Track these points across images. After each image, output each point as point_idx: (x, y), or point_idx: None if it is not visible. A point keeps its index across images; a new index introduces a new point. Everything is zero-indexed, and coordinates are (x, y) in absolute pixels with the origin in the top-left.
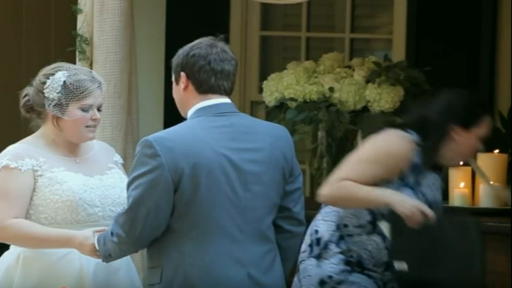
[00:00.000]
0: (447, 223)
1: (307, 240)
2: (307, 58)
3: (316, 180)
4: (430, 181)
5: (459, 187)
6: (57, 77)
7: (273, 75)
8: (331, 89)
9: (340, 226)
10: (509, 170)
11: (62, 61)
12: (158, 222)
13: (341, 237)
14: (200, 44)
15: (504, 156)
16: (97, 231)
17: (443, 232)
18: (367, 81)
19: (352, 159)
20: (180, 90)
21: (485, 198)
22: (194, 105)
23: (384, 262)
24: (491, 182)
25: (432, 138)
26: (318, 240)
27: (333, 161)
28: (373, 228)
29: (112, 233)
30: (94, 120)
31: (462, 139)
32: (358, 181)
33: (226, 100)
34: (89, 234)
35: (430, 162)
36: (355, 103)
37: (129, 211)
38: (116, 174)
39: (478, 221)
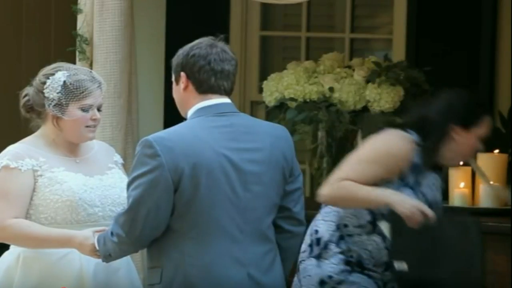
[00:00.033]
0: (447, 223)
1: (307, 240)
2: (307, 58)
3: (316, 180)
4: (430, 181)
5: (459, 187)
6: (57, 77)
7: (273, 75)
8: (331, 89)
9: (340, 226)
10: (509, 170)
11: (62, 61)
12: (158, 222)
13: (341, 237)
14: (200, 44)
15: (504, 156)
16: (97, 231)
17: (443, 232)
18: (367, 81)
19: (352, 159)
20: (180, 90)
21: (485, 198)
22: (194, 105)
23: (384, 262)
24: (491, 182)
25: (432, 138)
26: (318, 240)
27: (333, 161)
28: (373, 228)
29: (112, 233)
30: (94, 120)
31: (462, 139)
32: (358, 181)
33: (226, 100)
34: (89, 234)
35: (430, 162)
36: (355, 103)
37: (129, 211)
38: (116, 174)
39: (478, 221)
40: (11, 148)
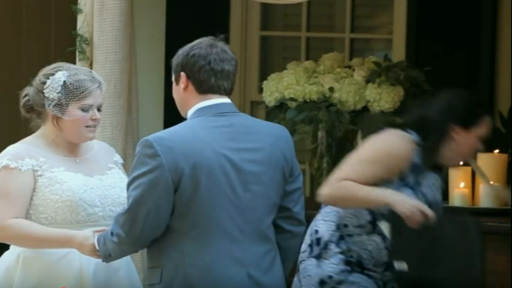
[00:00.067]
0: (447, 223)
1: (307, 240)
2: (307, 58)
3: (316, 180)
4: (430, 181)
5: (459, 187)
6: (57, 77)
7: (273, 75)
8: (331, 89)
9: (340, 226)
10: (509, 170)
11: (62, 61)
12: (158, 222)
13: (341, 237)
14: (200, 44)
15: (504, 156)
16: (97, 231)
17: (443, 232)
18: (367, 81)
19: (352, 159)
20: (180, 90)
21: (485, 198)
22: (194, 105)
23: (384, 262)
24: (491, 182)
25: (432, 138)
26: (318, 240)
27: (333, 161)
28: (373, 228)
29: (112, 233)
30: (94, 120)
31: (462, 139)
32: (358, 181)
33: (226, 100)
34: (89, 234)
35: (430, 162)
36: (355, 103)
37: (129, 211)
38: (116, 174)
39: (478, 221)
40: (11, 148)
